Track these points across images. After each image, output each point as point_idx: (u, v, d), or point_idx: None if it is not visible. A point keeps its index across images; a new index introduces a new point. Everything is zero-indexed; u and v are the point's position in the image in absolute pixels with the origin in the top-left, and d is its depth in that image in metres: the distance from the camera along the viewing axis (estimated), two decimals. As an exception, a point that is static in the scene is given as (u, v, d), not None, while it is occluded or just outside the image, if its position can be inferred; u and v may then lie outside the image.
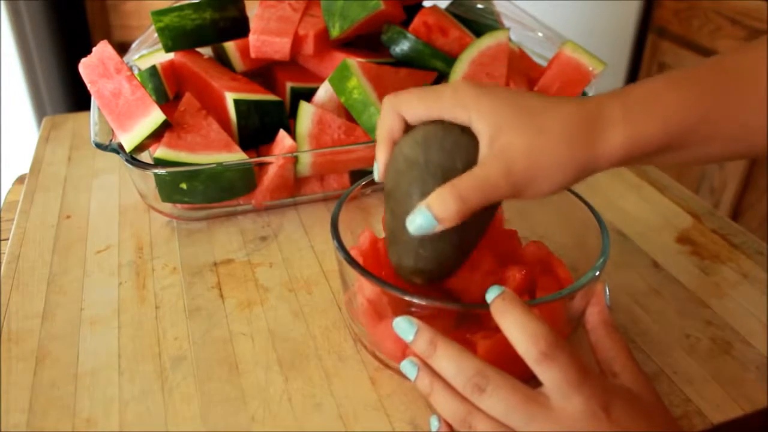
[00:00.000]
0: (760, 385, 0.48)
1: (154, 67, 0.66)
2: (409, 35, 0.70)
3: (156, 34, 0.67)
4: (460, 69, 0.67)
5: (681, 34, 1.62)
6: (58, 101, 1.49)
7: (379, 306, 0.45)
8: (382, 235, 0.52)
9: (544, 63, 0.76)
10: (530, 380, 0.37)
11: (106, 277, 0.57)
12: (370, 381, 0.47)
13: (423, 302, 0.42)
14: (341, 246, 0.45)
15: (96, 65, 0.60)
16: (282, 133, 0.63)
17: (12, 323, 0.52)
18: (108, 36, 1.53)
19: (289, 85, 0.69)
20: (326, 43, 0.71)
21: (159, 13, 0.65)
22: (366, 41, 0.74)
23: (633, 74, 1.82)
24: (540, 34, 0.79)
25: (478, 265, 0.48)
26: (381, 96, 0.63)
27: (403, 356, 0.44)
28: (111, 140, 0.61)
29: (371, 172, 0.48)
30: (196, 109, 0.63)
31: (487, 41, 0.69)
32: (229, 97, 0.63)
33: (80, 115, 0.85)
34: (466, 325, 0.45)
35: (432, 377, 0.40)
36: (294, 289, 0.56)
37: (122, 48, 0.68)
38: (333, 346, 0.50)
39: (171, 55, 0.69)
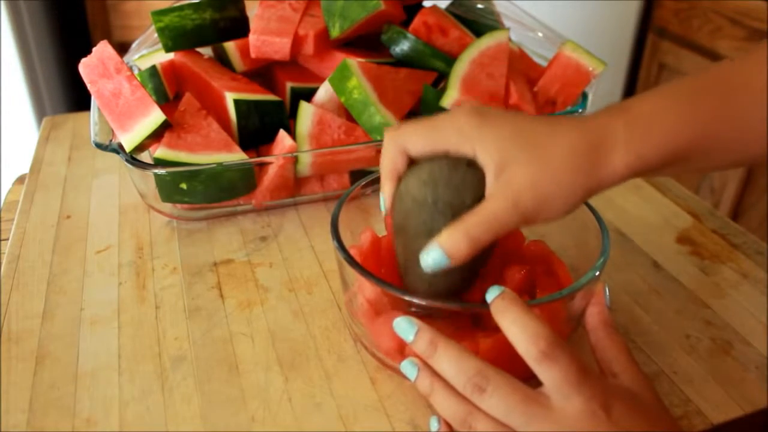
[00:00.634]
0: (760, 385, 0.48)
1: (154, 67, 0.66)
2: (409, 35, 0.70)
3: (156, 34, 0.67)
4: (460, 69, 0.67)
5: (681, 34, 1.62)
6: (58, 101, 1.49)
7: (379, 306, 0.45)
8: (382, 234, 0.52)
9: (544, 63, 0.76)
10: (530, 380, 0.37)
11: (106, 277, 0.57)
12: (370, 381, 0.47)
13: (423, 302, 0.42)
14: (341, 246, 0.45)
15: (96, 65, 0.60)
16: (282, 133, 0.63)
17: (12, 323, 0.52)
18: (108, 36, 1.53)
19: (289, 85, 0.69)
20: (326, 43, 0.71)
21: (159, 13, 0.65)
22: (366, 41, 0.74)
23: (633, 74, 1.82)
24: (540, 34, 0.79)
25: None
26: (381, 96, 0.63)
27: (401, 354, 0.45)
28: (111, 140, 0.61)
29: (371, 172, 0.49)
30: (196, 109, 0.63)
31: (487, 41, 0.69)
32: (229, 97, 0.63)
33: (80, 115, 0.85)
34: (464, 324, 0.45)
35: (432, 377, 0.40)
36: (294, 289, 0.56)
37: (122, 48, 0.68)
38: (333, 346, 0.50)
39: (171, 55, 0.69)
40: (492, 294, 0.39)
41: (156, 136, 0.59)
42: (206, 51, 0.73)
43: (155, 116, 0.58)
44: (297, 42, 0.69)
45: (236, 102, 0.62)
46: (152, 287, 0.56)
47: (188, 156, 0.59)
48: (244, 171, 0.61)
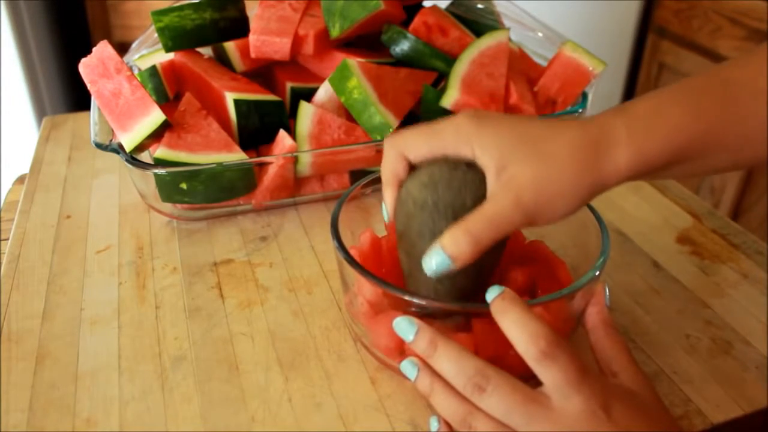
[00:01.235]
0: (760, 385, 0.48)
1: (154, 67, 0.66)
2: (409, 35, 0.70)
3: (156, 34, 0.67)
4: (460, 69, 0.67)
5: (681, 34, 1.62)
6: (58, 101, 1.49)
7: (380, 307, 0.45)
8: (382, 234, 0.52)
9: (544, 63, 0.76)
10: (530, 380, 0.37)
11: (106, 277, 0.57)
12: (370, 381, 0.47)
13: (423, 302, 0.42)
14: (341, 246, 0.45)
15: (96, 65, 0.60)
16: (282, 133, 0.63)
17: (12, 323, 0.52)
18: (108, 36, 1.53)
19: (289, 85, 0.69)
20: (326, 43, 0.71)
21: (159, 13, 0.65)
22: (366, 41, 0.74)
23: (633, 74, 1.82)
24: (540, 34, 0.79)
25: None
26: (381, 96, 0.63)
27: (401, 354, 0.45)
28: (111, 140, 0.61)
29: (371, 172, 0.48)
30: (196, 109, 0.63)
31: (487, 41, 0.69)
32: (229, 97, 0.63)
33: (80, 115, 0.85)
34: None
35: (432, 377, 0.40)
36: (294, 289, 0.56)
37: (122, 48, 0.68)
38: (333, 346, 0.50)
39: (171, 55, 0.69)
40: (492, 294, 0.39)
41: (156, 136, 0.59)
42: (206, 51, 0.73)
43: (155, 116, 0.58)
44: (297, 42, 0.69)
45: (236, 102, 0.62)
46: (152, 287, 0.56)
47: (188, 156, 0.59)
48: (244, 171, 0.61)
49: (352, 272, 0.44)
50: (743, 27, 1.45)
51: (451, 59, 0.69)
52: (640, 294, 0.56)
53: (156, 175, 0.59)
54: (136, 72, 0.68)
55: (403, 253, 0.46)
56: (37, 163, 0.75)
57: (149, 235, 0.63)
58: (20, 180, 0.78)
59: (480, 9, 0.78)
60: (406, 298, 0.42)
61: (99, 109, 0.61)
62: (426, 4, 0.75)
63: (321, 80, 0.69)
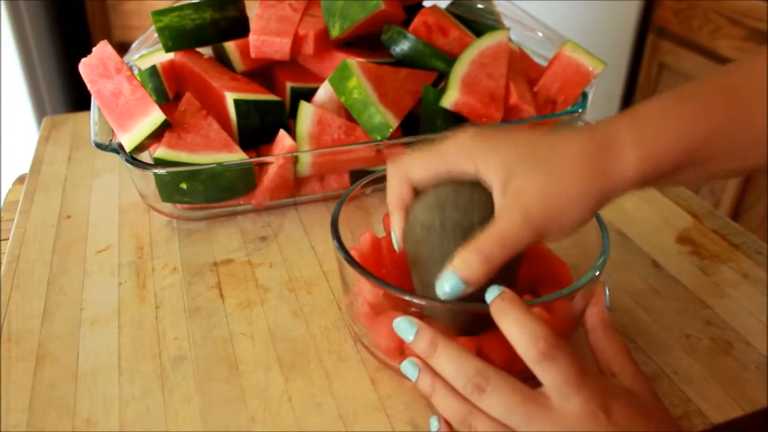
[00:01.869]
0: (760, 385, 0.48)
1: (154, 67, 0.66)
2: (409, 35, 0.70)
3: (156, 34, 0.67)
4: (460, 69, 0.67)
5: (681, 34, 1.62)
6: (58, 101, 1.49)
7: (380, 307, 0.45)
8: (382, 235, 0.52)
9: (544, 63, 0.76)
10: (530, 380, 0.37)
11: (106, 277, 0.57)
12: (370, 381, 0.47)
13: (423, 302, 0.42)
14: (341, 246, 0.45)
15: (96, 65, 0.60)
16: (282, 133, 0.63)
17: (12, 323, 0.52)
18: (108, 36, 1.53)
19: (289, 85, 0.69)
20: (326, 43, 0.71)
21: (159, 13, 0.65)
22: (366, 41, 0.74)
23: (633, 74, 1.82)
24: (540, 34, 0.79)
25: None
26: (381, 96, 0.63)
27: (401, 354, 0.45)
28: (111, 140, 0.61)
29: (371, 172, 0.48)
30: (196, 109, 0.63)
31: (487, 41, 0.69)
32: (229, 97, 0.63)
33: (80, 115, 0.85)
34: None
35: (433, 377, 0.39)
36: (294, 289, 0.56)
37: (122, 48, 0.68)
38: (333, 346, 0.50)
39: (171, 55, 0.69)
40: (491, 294, 0.39)
41: (156, 136, 0.59)
42: (206, 51, 0.73)
43: (155, 116, 0.58)
44: (297, 42, 0.69)
45: (236, 102, 0.62)
46: (152, 287, 0.56)
47: (188, 156, 0.59)
48: (244, 171, 0.61)
49: (352, 272, 0.44)
50: (743, 27, 1.45)
51: (451, 59, 0.69)
52: (640, 294, 0.56)
53: (156, 175, 0.59)
54: (136, 72, 0.68)
55: (416, 278, 0.45)
56: (37, 163, 0.75)
57: (149, 235, 0.63)
58: (20, 180, 0.78)
59: (480, 9, 0.78)
60: (406, 298, 0.42)
61: (99, 109, 0.61)
62: (426, 4, 0.75)
63: (321, 80, 0.69)
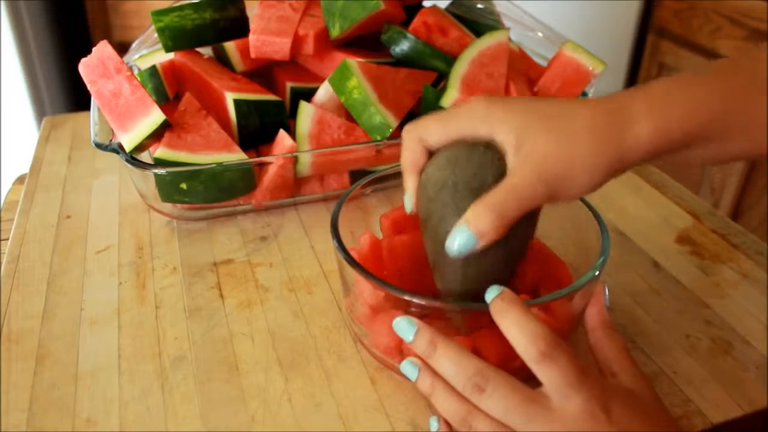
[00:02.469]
0: (760, 385, 0.48)
1: (154, 67, 0.66)
2: (409, 35, 0.70)
3: (156, 34, 0.67)
4: (460, 69, 0.67)
5: (681, 34, 1.62)
6: (58, 101, 1.49)
7: (380, 308, 0.45)
8: (381, 236, 0.52)
9: (544, 63, 0.76)
10: (530, 380, 0.37)
11: (106, 277, 0.57)
12: (370, 381, 0.47)
13: (423, 302, 0.42)
14: (341, 246, 0.45)
15: (96, 65, 0.60)
16: (282, 133, 0.63)
17: (12, 323, 0.52)
18: (108, 36, 1.53)
19: (289, 85, 0.69)
20: (326, 43, 0.71)
21: (159, 13, 0.65)
22: (366, 41, 0.74)
23: (633, 74, 1.82)
24: (540, 34, 0.79)
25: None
26: (381, 96, 0.63)
27: (399, 352, 0.45)
28: (111, 140, 0.61)
29: (371, 172, 0.48)
30: (196, 109, 0.63)
31: (487, 41, 0.69)
32: (229, 97, 0.63)
33: (80, 115, 0.85)
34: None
35: (433, 377, 0.39)
36: (294, 289, 0.56)
37: (122, 48, 0.68)
38: (333, 346, 0.50)
39: (171, 55, 0.69)
40: (491, 294, 0.39)
41: (156, 136, 0.59)
42: (206, 51, 0.73)
43: (155, 116, 0.58)
44: (297, 42, 0.69)
45: (236, 102, 0.62)
46: (152, 287, 0.56)
47: (188, 156, 0.59)
48: (244, 171, 0.61)
49: (352, 273, 0.44)
50: (743, 27, 1.45)
51: (451, 59, 0.69)
52: (640, 294, 0.56)
53: (156, 175, 0.59)
54: (136, 72, 0.68)
55: (428, 240, 0.45)
56: (37, 163, 0.75)
57: (149, 235, 0.63)
58: (20, 180, 0.78)
59: (480, 9, 0.78)
60: (406, 297, 0.42)
61: (99, 109, 0.61)
62: (426, 4, 0.75)
63: (321, 80, 0.69)
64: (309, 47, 0.69)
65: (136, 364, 0.48)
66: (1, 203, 0.75)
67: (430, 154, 0.45)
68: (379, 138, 0.63)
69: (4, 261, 0.59)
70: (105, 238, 0.62)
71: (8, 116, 1.34)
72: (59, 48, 1.55)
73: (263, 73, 0.75)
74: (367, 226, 0.54)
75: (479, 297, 0.43)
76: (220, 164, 0.59)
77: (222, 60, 0.72)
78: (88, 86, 0.60)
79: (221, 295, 0.55)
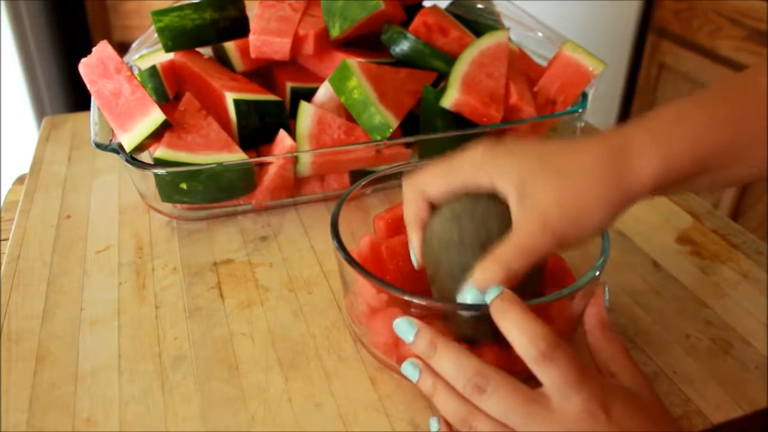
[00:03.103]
0: (760, 385, 0.48)
1: (154, 67, 0.66)
2: (409, 35, 0.70)
3: (156, 34, 0.67)
4: (460, 69, 0.67)
5: (681, 34, 1.62)
6: (58, 101, 1.49)
7: (379, 308, 0.45)
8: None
9: (544, 63, 0.76)
10: (530, 380, 0.37)
11: (106, 277, 0.57)
12: (370, 381, 0.47)
13: (423, 302, 0.41)
14: (341, 246, 0.45)
15: (96, 65, 0.60)
16: (282, 133, 0.63)
17: (12, 323, 0.52)
18: (108, 36, 1.53)
19: (289, 85, 0.69)
20: (326, 43, 0.71)
21: (159, 13, 0.65)
22: (366, 41, 0.74)
23: (633, 74, 1.82)
24: (540, 34, 0.79)
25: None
26: (381, 96, 0.63)
27: (397, 348, 0.45)
28: (111, 140, 0.61)
29: (371, 172, 0.48)
30: (196, 109, 0.63)
31: (487, 41, 0.69)
32: (229, 97, 0.63)
33: (80, 115, 0.85)
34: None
35: (434, 378, 0.39)
36: (294, 289, 0.56)
37: (122, 48, 0.68)
38: (333, 346, 0.50)
39: (171, 55, 0.69)
40: (491, 294, 0.39)
41: (156, 136, 0.59)
42: (206, 51, 0.73)
43: (155, 116, 0.58)
44: (297, 42, 0.69)
45: (236, 102, 0.62)
46: (152, 287, 0.56)
47: (188, 156, 0.59)
48: (244, 171, 0.61)
49: (352, 273, 0.44)
50: (743, 27, 1.45)
51: (451, 59, 0.69)
52: (640, 294, 0.56)
53: (156, 175, 0.59)
54: (136, 72, 0.68)
55: (437, 293, 0.45)
56: (37, 163, 0.75)
57: (149, 235, 0.63)
58: (20, 180, 0.78)
59: (480, 9, 0.78)
60: (406, 298, 0.42)
61: (99, 109, 0.61)
62: (426, 4, 0.75)
63: (321, 80, 0.69)
64: (309, 47, 0.69)
65: (136, 364, 0.48)
66: (1, 203, 0.75)
67: (433, 207, 0.44)
68: (379, 138, 0.63)
69: (4, 261, 0.59)
70: (105, 238, 0.62)
71: (8, 116, 1.34)
72: (59, 48, 1.55)
73: (263, 73, 0.75)
74: (368, 226, 0.53)
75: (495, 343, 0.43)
76: (220, 164, 0.59)
77: (222, 60, 0.72)
78: (88, 86, 0.60)
79: (221, 295, 0.55)
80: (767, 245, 0.62)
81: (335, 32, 0.69)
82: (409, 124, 0.68)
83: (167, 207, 0.63)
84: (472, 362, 0.38)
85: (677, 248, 0.62)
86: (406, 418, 0.45)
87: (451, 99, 0.65)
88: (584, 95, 0.71)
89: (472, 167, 0.42)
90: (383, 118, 0.62)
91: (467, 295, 0.40)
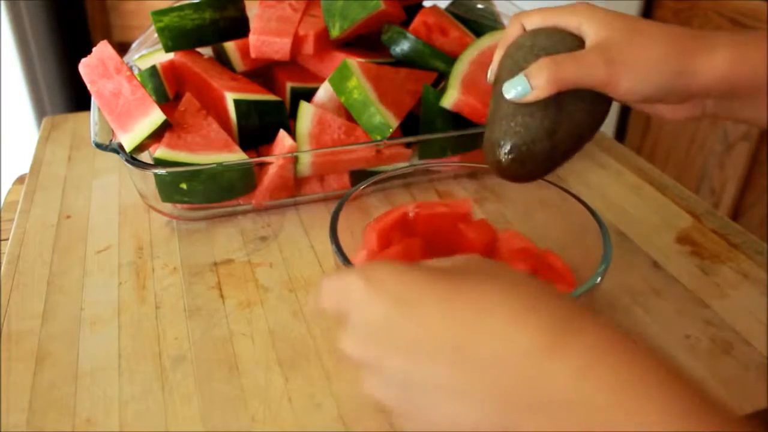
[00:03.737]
0: (760, 385, 0.48)
1: (154, 67, 0.66)
2: (409, 35, 0.70)
3: (156, 34, 0.67)
4: (460, 69, 0.67)
5: (681, 34, 1.62)
6: (58, 101, 1.50)
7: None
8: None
9: (544, 63, 0.75)
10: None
11: (106, 277, 0.57)
12: (370, 381, 0.47)
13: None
14: (339, 250, 0.45)
15: (96, 65, 0.60)
16: (282, 133, 0.63)
17: (12, 323, 0.52)
18: (108, 36, 1.53)
19: (289, 85, 0.69)
20: (326, 43, 0.71)
21: (159, 13, 0.65)
22: (366, 41, 0.74)
23: (633, 74, 1.81)
24: (540, 34, 0.79)
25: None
26: (381, 96, 0.63)
27: None
28: (111, 140, 0.61)
29: (371, 172, 0.48)
30: (196, 109, 0.63)
31: (487, 41, 0.69)
32: (229, 97, 0.63)
33: (80, 115, 0.85)
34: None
35: None
36: (294, 289, 0.56)
37: (122, 48, 0.68)
38: (333, 346, 0.50)
39: (171, 55, 0.69)
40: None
41: (156, 136, 0.59)
42: (206, 51, 0.73)
43: (155, 116, 0.58)
44: (297, 42, 0.69)
45: (236, 102, 0.62)
46: (152, 287, 0.56)
47: (188, 156, 0.59)
48: (244, 171, 0.61)
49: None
50: (743, 27, 1.45)
51: (451, 59, 0.69)
52: (640, 294, 0.56)
53: (156, 175, 0.59)
54: (136, 72, 0.68)
55: (494, 97, 0.48)
56: (37, 163, 0.75)
57: (149, 235, 0.63)
58: (20, 180, 0.78)
59: (480, 9, 0.78)
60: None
61: (99, 109, 0.61)
62: (426, 4, 0.75)
63: (321, 80, 0.69)
64: (309, 47, 0.69)
65: (136, 364, 0.48)
66: (1, 203, 0.75)
67: None
68: (379, 138, 0.63)
69: (4, 261, 0.59)
70: (105, 238, 0.62)
71: (8, 116, 1.34)
72: (59, 48, 1.56)
73: (263, 73, 0.75)
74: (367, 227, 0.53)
75: (517, 153, 0.46)
76: (220, 164, 0.59)
77: (222, 60, 0.72)
78: (88, 86, 0.60)
79: (221, 295, 0.55)
80: (767, 245, 0.62)
81: (335, 32, 0.69)
82: (409, 124, 0.68)
83: (167, 207, 0.63)
84: None
85: (677, 248, 0.62)
86: (406, 418, 0.45)
87: (451, 99, 0.65)
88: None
89: (569, 11, 0.47)
90: (383, 118, 0.62)
91: (516, 82, 0.44)
